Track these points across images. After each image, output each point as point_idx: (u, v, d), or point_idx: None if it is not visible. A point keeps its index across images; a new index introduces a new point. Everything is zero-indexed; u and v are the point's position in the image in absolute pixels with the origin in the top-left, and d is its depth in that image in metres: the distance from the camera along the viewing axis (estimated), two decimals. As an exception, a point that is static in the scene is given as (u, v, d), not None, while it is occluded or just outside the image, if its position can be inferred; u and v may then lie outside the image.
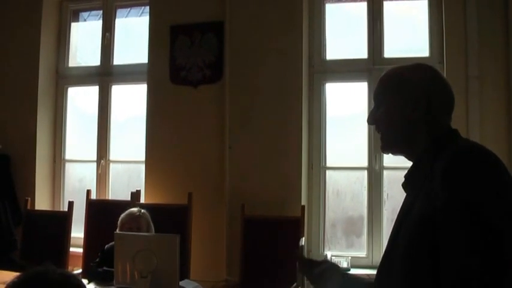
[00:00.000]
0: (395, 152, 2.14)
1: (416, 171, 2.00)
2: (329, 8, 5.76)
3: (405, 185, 2.06)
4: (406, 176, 2.05)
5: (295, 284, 4.43)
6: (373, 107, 2.16)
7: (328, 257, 5.31)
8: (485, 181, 1.71)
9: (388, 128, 2.09)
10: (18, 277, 1.81)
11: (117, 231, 4.44)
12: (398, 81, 2.08)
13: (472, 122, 4.87)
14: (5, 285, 1.82)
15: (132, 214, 4.57)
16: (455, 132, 2.01)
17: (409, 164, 2.07)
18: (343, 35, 5.92)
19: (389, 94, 2.09)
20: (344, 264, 5.25)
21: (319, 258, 2.45)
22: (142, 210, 4.62)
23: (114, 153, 6.46)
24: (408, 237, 1.85)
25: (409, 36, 5.64)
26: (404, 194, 2.07)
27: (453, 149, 1.85)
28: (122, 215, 4.59)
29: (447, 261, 1.67)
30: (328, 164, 5.68)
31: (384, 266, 1.99)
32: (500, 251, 1.61)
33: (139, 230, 4.42)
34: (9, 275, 4.39)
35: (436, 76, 2.07)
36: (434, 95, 2.01)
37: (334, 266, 2.26)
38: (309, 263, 2.38)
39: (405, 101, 2.03)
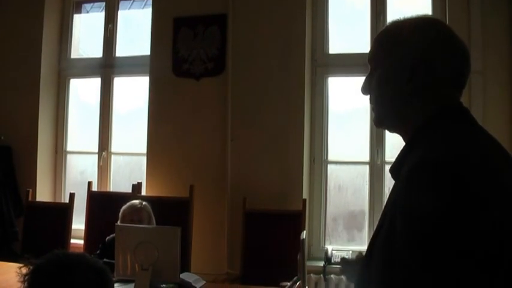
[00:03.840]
0: (387, 128, 1.82)
1: (405, 159, 1.64)
2: (332, 1, 5.74)
3: (393, 175, 1.72)
4: (391, 169, 1.72)
5: (296, 278, 4.43)
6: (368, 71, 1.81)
7: (329, 251, 5.31)
8: (437, 202, 1.38)
9: (378, 99, 1.76)
10: (45, 260, 1.79)
11: (119, 223, 4.45)
12: (394, 41, 1.71)
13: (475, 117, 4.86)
14: (29, 266, 1.81)
15: (133, 206, 4.57)
16: (450, 113, 1.65)
17: None
18: (346, 28, 5.91)
19: (383, 58, 1.73)
20: (345, 258, 5.25)
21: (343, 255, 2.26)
22: (144, 203, 4.62)
23: (115, 145, 6.46)
24: (385, 233, 1.58)
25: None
26: None
27: (418, 153, 1.53)
28: (124, 207, 4.59)
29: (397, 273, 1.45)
30: (330, 158, 5.68)
31: (368, 255, 1.71)
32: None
33: (140, 222, 4.42)
34: (10, 266, 4.40)
35: (439, 35, 1.69)
36: (436, 61, 1.64)
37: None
38: (343, 261, 2.16)
39: (398, 68, 1.68)
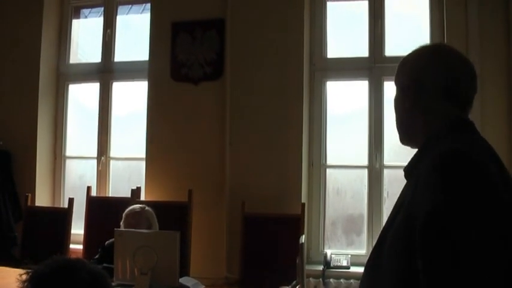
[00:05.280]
0: (408, 144, 2.01)
1: (416, 163, 1.85)
2: (330, 5, 5.76)
3: (406, 176, 1.92)
4: (405, 169, 1.92)
5: (294, 282, 4.43)
6: None
7: (328, 255, 5.32)
8: (462, 191, 1.57)
9: (396, 119, 2.01)
10: (45, 265, 1.80)
11: (121, 224, 4.47)
12: (401, 67, 1.99)
13: (473, 120, 4.87)
14: (29, 272, 1.82)
15: (132, 210, 4.58)
16: (454, 125, 1.86)
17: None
18: (344, 33, 5.92)
19: (396, 81, 2.00)
20: (344, 262, 5.26)
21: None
22: (147, 208, 4.62)
23: (114, 150, 6.46)
24: (396, 231, 1.75)
25: (410, 34, 5.64)
26: None
27: (435, 151, 1.71)
28: (126, 209, 4.60)
29: (424, 273, 1.57)
30: (329, 162, 5.68)
31: (374, 257, 1.88)
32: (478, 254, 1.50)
33: (137, 226, 4.41)
34: (9, 271, 4.41)
35: (437, 57, 1.91)
36: (429, 79, 1.87)
37: None
38: None
39: (401, 87, 1.95)
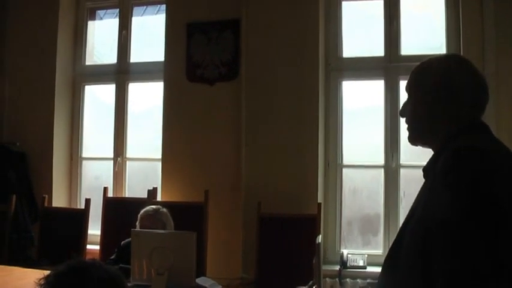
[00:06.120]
0: (419, 144, 2.13)
1: (434, 164, 1.95)
2: (345, 5, 5.74)
3: (425, 175, 2.04)
4: (424, 169, 2.04)
5: (311, 282, 4.42)
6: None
7: (344, 255, 5.31)
8: (478, 184, 1.67)
9: (411, 120, 2.10)
10: (62, 267, 1.81)
11: (137, 225, 4.48)
12: (422, 72, 2.08)
13: (488, 119, 4.84)
14: (46, 275, 1.83)
15: (146, 212, 4.59)
16: (473, 127, 1.98)
17: (426, 161, 2.05)
18: (360, 32, 5.90)
19: (414, 85, 2.09)
20: (360, 262, 5.25)
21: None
22: (161, 209, 4.62)
23: (130, 150, 6.48)
24: (412, 230, 1.86)
25: (425, 33, 5.62)
26: None
27: (452, 147, 1.83)
28: (141, 211, 4.61)
29: (437, 264, 1.67)
30: (345, 162, 5.67)
31: (391, 256, 1.98)
32: (492, 254, 1.58)
33: (152, 228, 4.41)
34: (25, 272, 4.43)
35: (461, 67, 2.04)
36: (455, 86, 1.98)
37: None
38: None
39: (425, 93, 2.03)
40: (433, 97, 2.00)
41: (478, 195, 1.65)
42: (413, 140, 2.12)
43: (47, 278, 1.80)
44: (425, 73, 2.06)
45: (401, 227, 1.98)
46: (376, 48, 5.62)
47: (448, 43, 5.33)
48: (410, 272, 1.79)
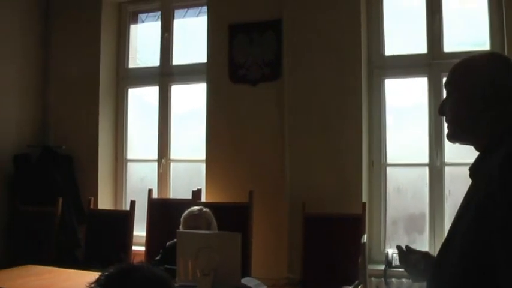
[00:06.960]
0: (460, 141, 2.09)
1: (481, 163, 1.95)
2: (387, 2, 5.69)
3: (471, 175, 2.01)
4: (470, 168, 2.01)
5: (357, 282, 4.41)
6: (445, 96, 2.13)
7: (390, 254, 5.27)
8: None
9: (453, 118, 2.05)
10: (111, 270, 1.84)
11: (181, 227, 4.51)
12: (465, 70, 2.04)
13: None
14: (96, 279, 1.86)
15: (191, 213, 4.62)
16: None
17: (471, 159, 2.03)
18: (402, 29, 5.85)
19: (457, 83, 2.04)
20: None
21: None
22: (204, 209, 4.65)
23: (174, 152, 6.52)
24: (464, 230, 1.84)
25: (469, 29, 5.55)
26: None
27: (509, 146, 1.81)
28: (184, 213, 4.64)
29: (503, 267, 1.65)
30: (389, 161, 5.62)
31: (442, 254, 1.98)
32: None
33: (197, 228, 4.44)
34: (71, 273, 4.49)
35: (505, 65, 1.99)
36: (500, 85, 1.93)
37: (428, 256, 2.26)
38: (406, 251, 2.39)
39: (471, 91, 1.98)
40: (477, 96, 1.95)
41: None
42: (453, 138, 2.09)
43: (97, 280, 1.83)
44: (468, 71, 2.02)
45: (451, 227, 1.97)
46: (418, 45, 5.56)
47: (492, 39, 5.24)
48: (463, 267, 1.79)
